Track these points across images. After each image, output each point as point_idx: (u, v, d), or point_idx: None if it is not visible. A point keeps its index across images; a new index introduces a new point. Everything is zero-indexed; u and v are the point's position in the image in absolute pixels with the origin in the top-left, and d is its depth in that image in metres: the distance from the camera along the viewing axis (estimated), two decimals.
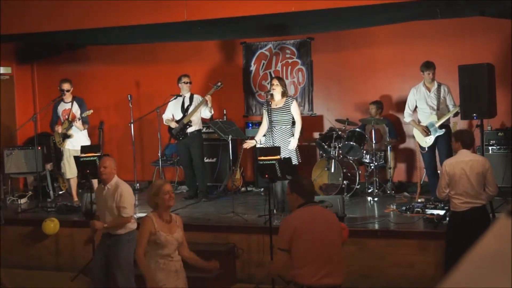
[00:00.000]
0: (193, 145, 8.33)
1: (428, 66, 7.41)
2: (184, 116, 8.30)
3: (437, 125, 7.36)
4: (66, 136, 8.12)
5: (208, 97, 8.12)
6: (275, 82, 7.29)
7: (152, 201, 4.38)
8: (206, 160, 9.10)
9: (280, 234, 4.10)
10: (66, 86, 8.16)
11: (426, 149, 7.47)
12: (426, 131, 7.41)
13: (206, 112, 8.27)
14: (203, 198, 8.31)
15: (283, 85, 7.31)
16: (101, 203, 5.39)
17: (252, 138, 7.55)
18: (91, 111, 8.11)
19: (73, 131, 8.09)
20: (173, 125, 8.30)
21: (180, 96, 8.41)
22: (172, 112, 8.43)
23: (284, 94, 7.26)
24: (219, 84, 8.18)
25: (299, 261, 3.98)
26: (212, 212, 7.51)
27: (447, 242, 5.58)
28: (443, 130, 7.31)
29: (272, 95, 7.26)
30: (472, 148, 7.87)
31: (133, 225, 5.42)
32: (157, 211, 4.38)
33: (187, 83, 8.40)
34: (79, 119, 8.03)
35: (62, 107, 8.24)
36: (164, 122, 8.52)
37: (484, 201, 5.33)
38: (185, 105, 8.37)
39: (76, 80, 8.43)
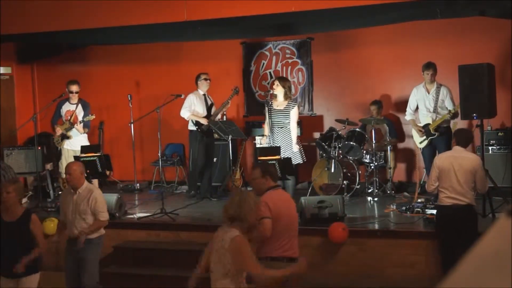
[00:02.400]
0: (212, 144, 8.37)
1: (428, 66, 7.44)
2: (209, 114, 8.25)
3: (431, 128, 7.38)
4: (65, 136, 8.12)
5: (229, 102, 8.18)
6: (276, 82, 7.30)
7: (250, 217, 3.82)
8: None
9: (262, 208, 4.28)
10: (75, 88, 8.18)
11: (422, 149, 7.53)
12: (422, 131, 7.45)
13: (219, 115, 8.34)
14: (212, 196, 8.35)
15: (285, 86, 7.29)
16: (71, 207, 5.31)
17: (253, 138, 7.60)
18: (93, 116, 8.11)
19: (72, 133, 8.10)
20: (204, 121, 8.14)
21: (180, 95, 8.40)
22: (194, 108, 8.24)
23: (286, 95, 7.25)
24: (237, 89, 8.22)
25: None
26: (212, 212, 7.50)
27: (436, 236, 5.65)
28: (437, 133, 7.34)
29: (276, 95, 7.28)
30: (472, 148, 7.95)
31: (103, 230, 5.46)
32: (241, 230, 3.81)
33: (207, 79, 8.34)
34: (80, 122, 8.02)
35: (66, 107, 8.24)
36: (186, 118, 8.23)
37: (469, 200, 5.33)
38: (208, 103, 8.34)
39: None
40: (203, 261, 4.03)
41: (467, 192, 5.31)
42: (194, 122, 8.20)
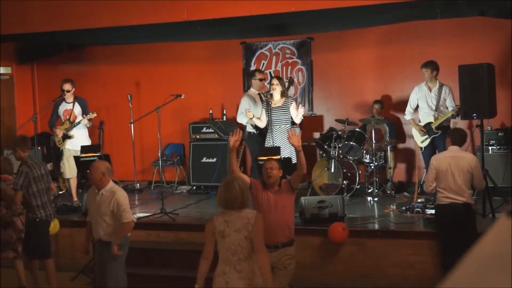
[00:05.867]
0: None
1: (426, 64, 7.47)
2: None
3: (433, 126, 7.38)
4: (66, 136, 8.12)
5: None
6: (275, 81, 7.30)
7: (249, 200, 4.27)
8: (206, 160, 9.12)
9: None
10: (67, 86, 8.15)
11: (423, 148, 7.52)
12: (424, 130, 7.45)
13: None
14: None
15: (283, 84, 7.35)
16: (94, 208, 5.20)
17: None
18: (95, 114, 8.12)
19: (73, 131, 8.10)
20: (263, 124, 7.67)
21: (180, 95, 8.37)
22: (249, 109, 7.77)
23: (283, 94, 7.29)
24: (291, 80, 8.20)
25: None
26: (212, 212, 7.48)
27: (436, 236, 5.66)
28: (439, 131, 7.34)
29: (271, 95, 7.29)
30: (472, 148, 7.96)
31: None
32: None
33: (262, 80, 8.08)
34: (84, 118, 8.02)
35: (63, 107, 8.22)
36: (244, 123, 7.90)
37: (466, 199, 5.35)
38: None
39: (76, 80, 8.42)
40: (208, 248, 4.18)
41: (464, 192, 5.34)
42: (253, 125, 7.81)
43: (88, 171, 5.30)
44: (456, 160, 5.36)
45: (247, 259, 4.04)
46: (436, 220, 5.72)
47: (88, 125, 8.16)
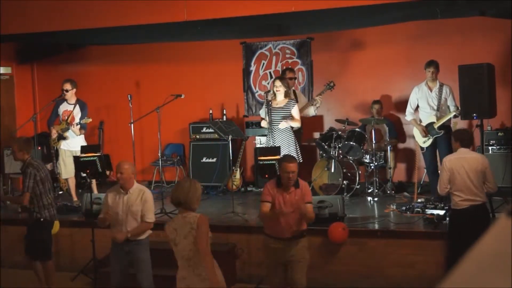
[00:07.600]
0: None
1: (429, 64, 7.45)
2: None
3: (436, 126, 7.37)
4: (61, 137, 8.10)
5: (319, 98, 8.13)
6: (278, 83, 7.28)
7: (194, 205, 4.28)
8: (206, 160, 9.12)
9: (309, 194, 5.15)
10: (66, 86, 8.13)
11: (425, 149, 7.50)
12: (425, 131, 7.43)
13: (310, 111, 8.20)
14: None
15: (286, 85, 7.33)
16: (122, 208, 5.29)
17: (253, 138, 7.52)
18: (90, 119, 8.07)
19: (69, 133, 8.07)
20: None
21: (180, 95, 8.36)
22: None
23: (287, 94, 7.29)
24: (331, 84, 8.15)
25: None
26: (212, 212, 7.51)
27: (449, 240, 5.58)
28: (442, 131, 7.32)
29: (275, 94, 7.29)
30: (472, 148, 7.95)
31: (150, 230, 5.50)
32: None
33: (292, 79, 8.08)
34: (77, 124, 7.99)
35: (64, 107, 8.21)
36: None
37: (483, 199, 5.35)
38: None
39: (76, 80, 8.42)
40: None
41: (480, 192, 5.33)
42: None
43: (120, 172, 5.32)
44: (468, 161, 5.33)
45: (201, 262, 4.14)
46: (453, 223, 5.58)
47: (77, 134, 8.03)
